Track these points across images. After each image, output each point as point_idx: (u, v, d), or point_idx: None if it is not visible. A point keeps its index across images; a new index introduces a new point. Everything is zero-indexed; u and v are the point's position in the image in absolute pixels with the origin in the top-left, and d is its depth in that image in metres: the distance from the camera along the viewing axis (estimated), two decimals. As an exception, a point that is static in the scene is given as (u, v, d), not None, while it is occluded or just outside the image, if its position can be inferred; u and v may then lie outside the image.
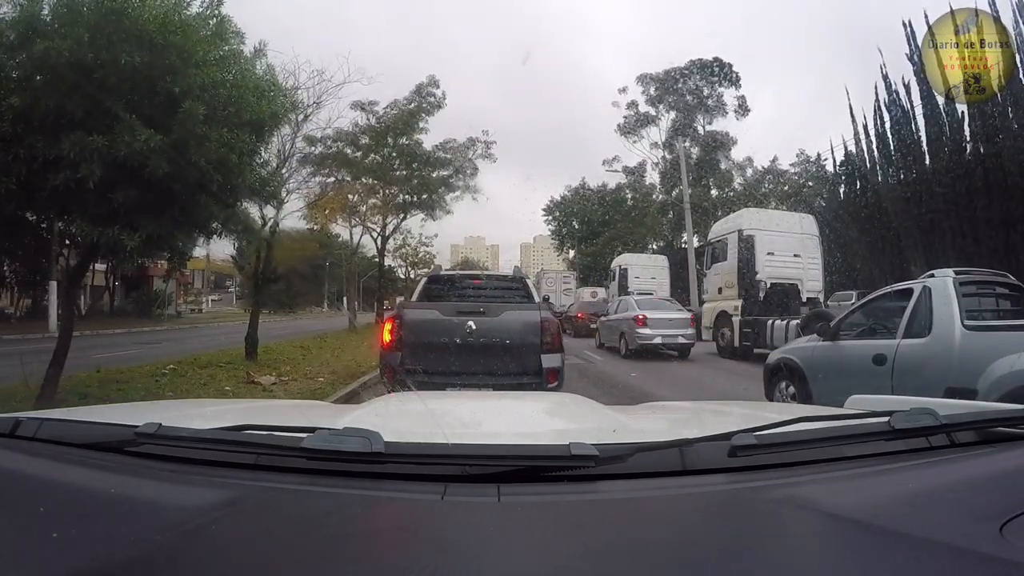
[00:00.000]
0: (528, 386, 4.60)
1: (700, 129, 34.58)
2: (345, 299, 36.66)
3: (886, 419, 1.00)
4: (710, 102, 34.36)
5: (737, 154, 34.71)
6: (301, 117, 11.43)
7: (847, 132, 23.91)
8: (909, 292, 4.31)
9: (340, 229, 24.24)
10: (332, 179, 19.00)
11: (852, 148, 18.76)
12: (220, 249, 26.81)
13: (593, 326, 16.27)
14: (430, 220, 22.40)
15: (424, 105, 20.23)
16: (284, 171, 11.36)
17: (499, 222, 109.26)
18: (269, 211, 8.96)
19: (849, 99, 18.80)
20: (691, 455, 0.90)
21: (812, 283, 12.31)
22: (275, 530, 0.76)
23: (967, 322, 3.83)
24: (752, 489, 0.88)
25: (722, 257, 12.87)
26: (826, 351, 4.81)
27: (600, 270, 30.22)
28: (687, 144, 32.62)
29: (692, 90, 34.60)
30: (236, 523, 0.77)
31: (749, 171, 34.84)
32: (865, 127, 18.02)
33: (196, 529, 0.73)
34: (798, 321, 9.80)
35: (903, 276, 10.83)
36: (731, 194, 32.80)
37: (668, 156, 34.28)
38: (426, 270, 21.30)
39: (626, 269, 20.87)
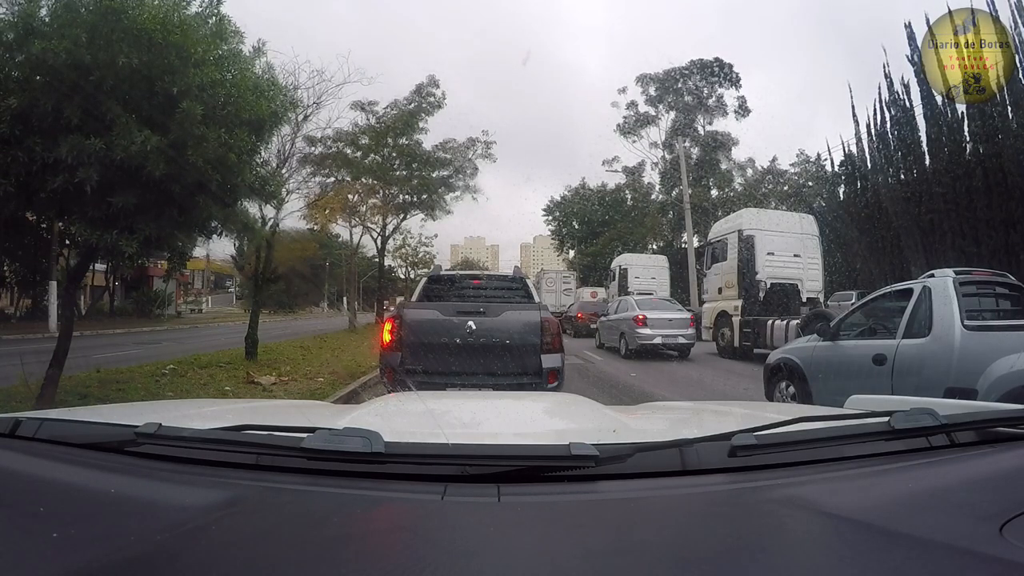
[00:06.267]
0: (528, 386, 4.59)
1: (700, 129, 34.62)
2: (345, 299, 36.67)
3: (886, 419, 0.99)
4: (710, 102, 34.40)
5: (737, 154, 34.77)
6: (301, 117, 11.44)
7: (847, 132, 23.95)
8: (909, 292, 4.32)
9: (340, 229, 24.29)
10: (332, 179, 19.07)
11: (852, 148, 18.78)
12: (220, 249, 26.93)
13: (593, 326, 16.27)
14: (430, 220, 22.48)
15: (424, 105, 20.29)
16: (284, 171, 11.38)
17: (499, 222, 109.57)
18: (269, 211, 8.96)
19: (852, 98, 18.80)
20: (691, 455, 0.90)
21: (812, 283, 12.31)
22: (275, 530, 0.76)
23: (967, 322, 3.83)
24: (752, 489, 0.88)
25: (722, 257, 12.88)
26: (826, 351, 4.81)
27: (600, 270, 30.25)
28: (687, 144, 32.63)
29: (692, 90, 34.60)
30: (236, 523, 0.77)
31: (749, 171, 34.90)
32: (867, 126, 18.03)
33: (196, 529, 0.73)
34: (798, 321, 9.83)
35: (903, 276, 10.85)
36: (731, 194, 32.78)
37: (668, 156, 34.30)
38: (426, 270, 21.31)
39: (626, 269, 20.89)
